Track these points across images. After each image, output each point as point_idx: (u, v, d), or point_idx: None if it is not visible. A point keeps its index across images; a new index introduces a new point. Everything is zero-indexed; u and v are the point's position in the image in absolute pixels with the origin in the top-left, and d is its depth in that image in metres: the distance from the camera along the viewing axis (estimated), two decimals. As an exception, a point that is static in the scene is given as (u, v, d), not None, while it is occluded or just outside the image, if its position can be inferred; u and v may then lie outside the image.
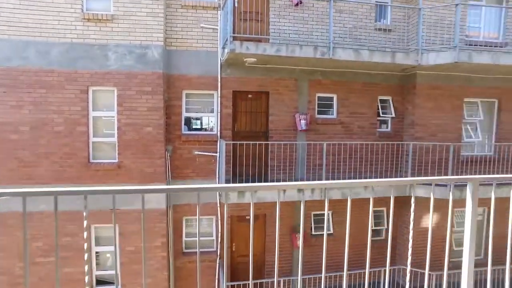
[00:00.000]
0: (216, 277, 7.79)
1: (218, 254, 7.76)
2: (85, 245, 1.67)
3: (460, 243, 8.43)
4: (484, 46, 7.96)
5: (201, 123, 7.85)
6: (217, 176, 7.59)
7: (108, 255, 7.33)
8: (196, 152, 7.52)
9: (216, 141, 7.57)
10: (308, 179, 7.86)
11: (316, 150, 7.85)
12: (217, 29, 7.40)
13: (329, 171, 7.91)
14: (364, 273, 7.91)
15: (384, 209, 8.64)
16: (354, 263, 7.21)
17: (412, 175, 7.83)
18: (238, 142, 7.27)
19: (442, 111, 8.16)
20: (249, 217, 7.91)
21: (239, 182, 7.33)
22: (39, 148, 6.65)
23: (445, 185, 6.99)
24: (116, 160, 6.95)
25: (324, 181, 2.60)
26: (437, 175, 7.90)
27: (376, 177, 8.07)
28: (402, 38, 8.14)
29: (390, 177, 8.10)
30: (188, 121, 7.69)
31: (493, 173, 8.18)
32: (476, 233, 1.96)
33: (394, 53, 7.25)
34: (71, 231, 6.63)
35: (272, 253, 8.05)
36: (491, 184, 1.99)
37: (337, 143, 7.78)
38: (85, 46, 6.67)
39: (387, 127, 8.57)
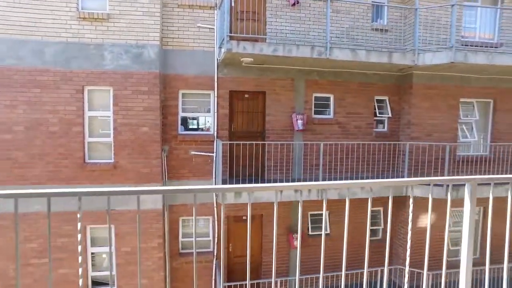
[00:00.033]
0: (213, 277, 7.76)
1: (215, 254, 7.73)
2: (79, 248, 1.64)
3: (456, 243, 8.47)
4: (480, 46, 8.01)
5: (198, 123, 7.83)
6: (213, 176, 7.56)
7: (104, 256, 7.27)
8: (193, 152, 7.49)
9: (213, 141, 7.54)
10: (305, 179, 7.87)
11: (313, 150, 7.86)
12: (213, 28, 7.38)
13: (326, 171, 7.92)
14: (360, 273, 7.93)
15: (381, 209, 8.67)
16: (350, 263, 7.23)
17: (409, 175, 7.86)
18: (234, 142, 7.26)
19: (438, 111, 8.21)
20: (246, 218, 7.89)
21: (236, 182, 7.31)
22: (33, 148, 6.57)
23: (441, 185, 7.02)
24: (112, 160, 6.90)
25: (322, 182, 2.59)
26: (433, 175, 7.93)
27: (372, 177, 8.09)
28: (398, 38, 8.17)
29: (387, 176, 8.12)
30: (184, 121, 7.65)
31: (489, 173, 8.23)
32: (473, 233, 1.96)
33: (390, 53, 7.27)
34: (67, 232, 6.57)
35: (269, 254, 8.04)
36: (487, 184, 1.99)
37: (334, 143, 7.79)
38: (80, 46, 6.61)
39: (383, 127, 8.59)
